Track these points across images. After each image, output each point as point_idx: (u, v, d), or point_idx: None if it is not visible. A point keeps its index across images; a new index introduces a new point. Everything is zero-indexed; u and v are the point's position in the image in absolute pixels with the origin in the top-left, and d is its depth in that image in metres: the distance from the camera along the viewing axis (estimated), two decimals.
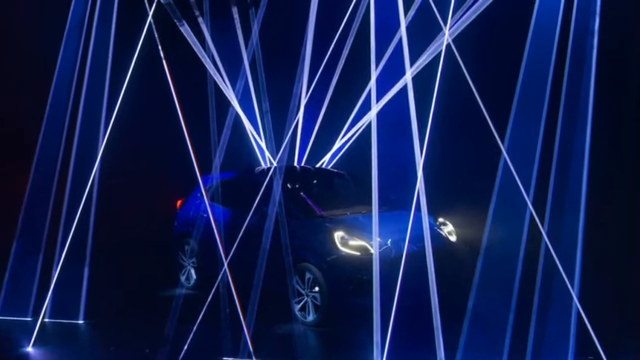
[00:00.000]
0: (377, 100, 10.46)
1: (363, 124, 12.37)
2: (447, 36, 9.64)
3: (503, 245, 9.16)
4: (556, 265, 8.76)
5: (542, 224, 8.98)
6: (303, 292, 10.71)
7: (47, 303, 10.44)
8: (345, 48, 12.56)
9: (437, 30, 10.02)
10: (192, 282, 12.47)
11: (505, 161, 9.07)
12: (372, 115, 9.80)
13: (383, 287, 9.17)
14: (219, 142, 11.09)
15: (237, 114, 12.18)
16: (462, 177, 12.29)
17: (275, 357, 9.59)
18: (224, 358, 9.55)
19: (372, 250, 10.01)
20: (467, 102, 9.34)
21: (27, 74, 13.32)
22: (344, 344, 10.14)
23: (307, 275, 10.64)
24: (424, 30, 10.47)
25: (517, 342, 8.93)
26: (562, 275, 8.73)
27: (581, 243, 8.92)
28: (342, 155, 12.89)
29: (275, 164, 11.82)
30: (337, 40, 12.22)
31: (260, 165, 12.95)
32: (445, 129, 10.27)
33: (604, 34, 9.12)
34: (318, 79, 12.25)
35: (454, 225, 11.54)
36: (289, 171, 12.02)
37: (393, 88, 11.23)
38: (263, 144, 12.97)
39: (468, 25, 10.14)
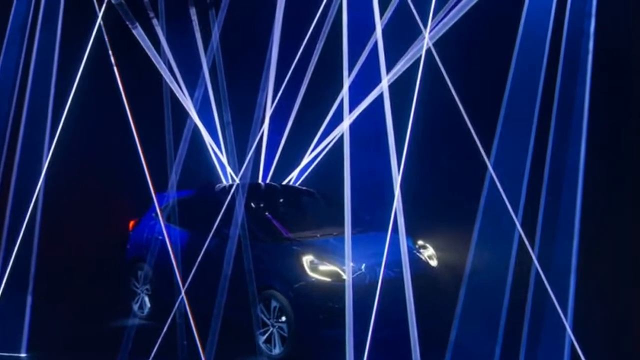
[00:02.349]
0: (350, 111, 10.54)
1: (335, 137, 12.32)
2: (427, 39, 9.63)
3: (489, 271, 9.19)
4: (547, 293, 8.71)
5: (532, 247, 8.98)
6: (268, 322, 10.53)
7: None
8: (314, 53, 12.51)
9: (417, 32, 10.00)
10: (146, 311, 12.21)
11: (492, 177, 9.06)
12: (344, 127, 9.84)
13: (356, 317, 9.06)
14: (176, 156, 11.07)
15: (195, 126, 12.17)
16: (443, 196, 11.93)
17: None
18: None
19: (345, 276, 9.93)
20: (449, 113, 9.29)
21: None
22: None
23: (273, 303, 10.48)
24: (401, 33, 10.45)
25: None
26: (554, 304, 8.69)
27: (575, 268, 8.92)
28: (311, 171, 12.85)
29: (237, 181, 11.81)
30: (305, 44, 12.15)
31: (221, 182, 12.84)
32: (425, 142, 10.30)
33: (600, 37, 9.14)
34: (285, 87, 12.17)
35: (434, 248, 11.35)
36: (252, 189, 11.87)
37: (368, 97, 11.22)
38: (224, 159, 12.90)
39: (450, 28, 10.13)
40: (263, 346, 10.58)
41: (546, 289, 8.72)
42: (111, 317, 12.17)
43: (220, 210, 10.81)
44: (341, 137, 10.39)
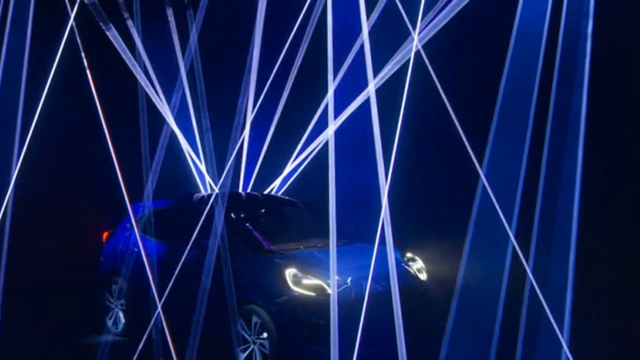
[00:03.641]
0: (335, 117, 10.60)
1: (319, 144, 12.34)
2: (416, 41, 9.61)
3: (481, 285, 9.22)
4: (543, 308, 8.64)
5: (527, 260, 8.93)
6: (249, 338, 10.37)
7: None
8: (298, 55, 12.51)
9: (405, 34, 9.97)
10: (121, 327, 12.05)
11: (484, 186, 9.03)
12: (329, 134, 9.87)
13: (342, 333, 8.97)
14: (152, 164, 11.01)
15: (172, 132, 12.12)
16: (433, 206, 12.11)
17: None
18: None
19: (329, 291, 9.85)
20: (439, 118, 9.26)
21: None
22: None
23: (254, 319, 10.34)
24: (389, 35, 10.45)
25: None
26: (549, 320, 8.62)
27: (572, 283, 8.92)
28: (294, 180, 12.83)
29: (216, 190, 11.74)
30: (288, 46, 12.16)
31: (199, 191, 12.83)
32: (414, 150, 10.30)
33: (599, 39, 9.17)
34: (267, 91, 12.19)
35: (424, 261, 11.23)
36: (232, 198, 11.77)
37: (354, 102, 11.23)
38: (203, 167, 12.85)
39: (441, 29, 10.11)
40: None
41: (541, 304, 8.65)
42: (84, 334, 12.02)
43: (198, 221, 10.68)
44: (326, 144, 10.59)
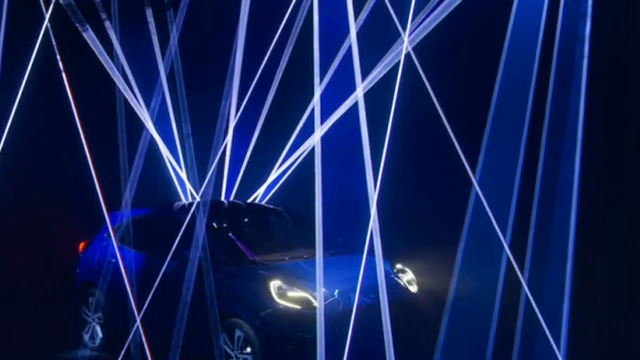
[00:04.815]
0: (322, 122, 10.39)
1: (305, 150, 12.32)
2: (406, 43, 9.61)
3: (474, 297, 9.37)
4: (539, 321, 8.64)
5: (522, 272, 9.00)
6: (232, 353, 10.28)
7: None
8: (283, 58, 12.48)
9: (395, 35, 9.97)
10: (98, 341, 11.88)
11: (478, 195, 9.06)
12: (315, 140, 9.77)
13: (329, 348, 9.00)
14: (130, 172, 11.01)
15: (152, 138, 12.11)
16: (424, 215, 11.93)
17: None
18: None
19: (316, 303, 9.82)
20: (431, 124, 9.24)
21: None
22: None
23: (237, 333, 10.24)
24: (378, 36, 10.44)
25: None
26: (545, 335, 8.64)
27: (568, 295, 8.98)
28: (279, 188, 12.79)
29: (198, 198, 11.65)
30: (273, 49, 12.01)
31: (179, 200, 12.80)
32: (404, 156, 10.31)
33: (597, 40, 9.23)
34: (250, 95, 11.91)
35: (414, 272, 11.18)
36: (214, 207, 11.67)
37: (341, 106, 11.21)
38: (183, 175, 12.82)
39: (432, 30, 10.10)
40: None
41: (537, 318, 8.65)
42: (59, 349, 11.93)
43: (179, 231, 10.61)
44: (312, 151, 10.39)
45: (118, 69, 11.98)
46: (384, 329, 8.81)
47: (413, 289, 11.01)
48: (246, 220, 12.26)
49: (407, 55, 9.49)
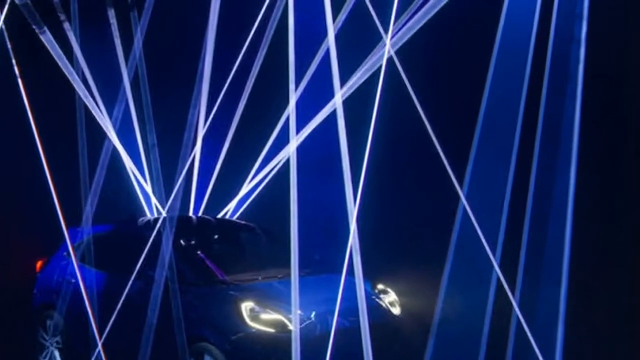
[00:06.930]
0: (298, 131, 10.47)
1: (279, 162, 12.26)
2: (388, 46, 9.64)
3: (461, 320, 9.34)
4: (531, 347, 8.59)
5: (513, 293, 8.97)
6: None
7: None
8: (255, 62, 12.48)
9: (376, 38, 10.02)
10: None
11: (465, 210, 9.07)
12: (290, 151, 9.83)
13: None
14: (91, 185, 11.05)
15: (114, 149, 12.09)
16: (408, 231, 11.83)
17: None
18: None
19: (291, 327, 9.63)
20: (414, 133, 9.27)
21: None
22: None
23: (207, 358, 9.95)
24: (358, 39, 10.50)
25: None
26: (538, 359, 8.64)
27: (563, 319, 8.96)
28: (251, 202, 12.71)
29: (164, 213, 11.71)
30: (245, 52, 11.97)
31: (144, 215, 12.67)
32: (386, 168, 10.39)
33: (593, 43, 9.24)
34: (220, 103, 11.98)
35: (397, 293, 10.94)
36: (182, 223, 11.55)
37: (318, 115, 11.26)
38: (148, 188, 12.75)
39: (416, 32, 10.14)
40: None
41: (529, 342, 8.62)
42: None
43: (143, 249, 10.54)
44: (287, 162, 10.38)
45: (78, 74, 12.02)
46: (364, 354, 8.78)
47: (396, 311, 10.81)
48: (216, 237, 12.08)
49: (390, 60, 9.53)
